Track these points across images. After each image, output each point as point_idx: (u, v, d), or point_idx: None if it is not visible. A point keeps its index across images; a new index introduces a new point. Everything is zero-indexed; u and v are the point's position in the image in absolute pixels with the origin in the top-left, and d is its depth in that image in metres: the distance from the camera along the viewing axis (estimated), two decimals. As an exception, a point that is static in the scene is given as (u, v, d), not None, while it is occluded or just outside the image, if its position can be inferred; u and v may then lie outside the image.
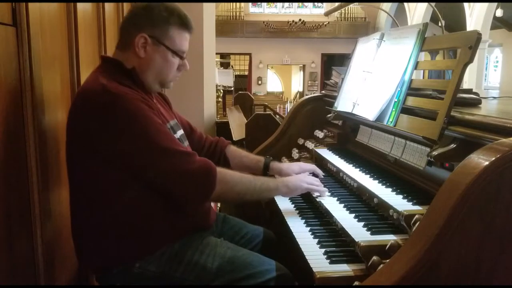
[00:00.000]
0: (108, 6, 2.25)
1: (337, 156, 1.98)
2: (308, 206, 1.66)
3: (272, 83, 23.19)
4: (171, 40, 1.42)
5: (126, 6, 2.57)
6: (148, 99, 1.38)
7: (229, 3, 18.92)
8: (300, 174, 1.70)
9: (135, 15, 1.43)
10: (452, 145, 1.30)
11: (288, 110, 3.20)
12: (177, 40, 1.43)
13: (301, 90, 21.30)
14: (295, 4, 20.04)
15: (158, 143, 1.30)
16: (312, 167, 1.80)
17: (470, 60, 1.29)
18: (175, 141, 1.38)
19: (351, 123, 2.08)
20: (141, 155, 1.29)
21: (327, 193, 1.62)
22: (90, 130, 1.29)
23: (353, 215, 1.40)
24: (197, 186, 1.35)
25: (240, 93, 5.61)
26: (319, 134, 2.28)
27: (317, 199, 1.60)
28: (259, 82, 20.67)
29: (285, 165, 1.79)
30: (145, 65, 1.42)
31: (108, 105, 1.27)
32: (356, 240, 1.19)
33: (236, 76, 9.61)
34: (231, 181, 1.41)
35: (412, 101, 1.50)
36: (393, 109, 1.56)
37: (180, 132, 1.58)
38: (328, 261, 1.20)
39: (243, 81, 18.71)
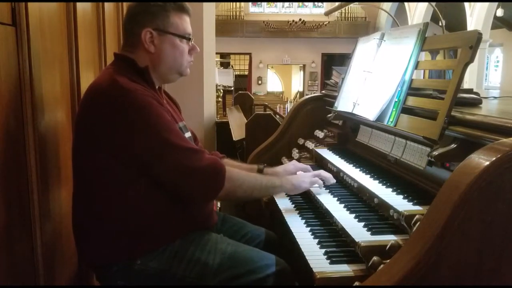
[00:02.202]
0: (108, 5, 2.25)
1: (337, 156, 1.98)
2: (308, 206, 1.66)
3: (272, 83, 23.18)
4: (174, 26, 1.44)
5: (126, 6, 2.57)
6: (158, 98, 1.40)
7: (229, 3, 18.91)
8: (302, 173, 1.71)
9: (133, 14, 1.45)
10: (453, 145, 1.30)
11: (288, 110, 3.19)
12: (179, 24, 1.45)
13: (301, 90, 21.29)
14: (295, 4, 20.02)
15: (168, 139, 1.30)
16: (306, 166, 1.81)
17: (471, 60, 1.29)
18: (185, 138, 1.39)
19: (352, 123, 2.07)
20: (151, 150, 1.29)
21: (327, 191, 1.63)
22: (101, 124, 1.30)
23: (354, 215, 1.40)
24: (206, 183, 1.35)
25: (240, 93, 5.60)
26: (319, 134, 2.27)
27: (316, 196, 1.60)
28: (259, 82, 20.66)
29: (280, 167, 1.79)
30: (157, 59, 1.44)
31: (119, 100, 1.28)
32: (357, 240, 1.19)
33: (236, 76, 9.61)
34: (239, 179, 1.43)
35: (412, 101, 1.50)
36: (394, 109, 1.56)
37: (188, 134, 1.58)
38: (328, 261, 1.20)
39: (243, 81, 18.70)
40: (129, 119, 1.28)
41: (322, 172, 1.68)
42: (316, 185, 1.64)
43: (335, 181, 1.69)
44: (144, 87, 1.35)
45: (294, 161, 1.89)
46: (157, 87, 1.48)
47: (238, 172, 1.47)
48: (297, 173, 1.74)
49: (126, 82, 1.30)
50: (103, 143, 1.30)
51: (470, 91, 1.61)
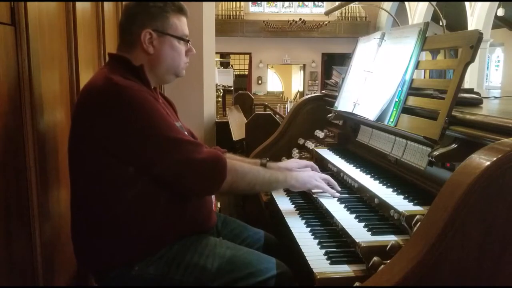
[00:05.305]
0: (107, 5, 2.25)
1: (337, 156, 1.98)
2: (308, 206, 1.66)
3: (272, 82, 23.17)
4: (174, 28, 1.44)
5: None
6: (154, 95, 1.40)
7: (229, 2, 18.90)
8: (312, 171, 1.69)
9: (132, 14, 1.44)
10: (453, 145, 1.29)
11: (288, 110, 3.19)
12: (178, 26, 1.45)
13: (301, 89, 21.29)
14: (295, 4, 20.01)
15: (166, 133, 1.30)
16: (309, 162, 1.81)
17: (472, 59, 1.29)
18: (182, 132, 1.38)
19: (352, 123, 2.07)
20: (150, 145, 1.28)
21: (336, 196, 1.59)
22: (98, 123, 1.29)
23: (354, 215, 1.40)
24: (209, 175, 1.35)
25: (240, 92, 5.62)
26: (320, 134, 2.27)
27: (314, 195, 1.60)
28: (259, 81, 20.65)
29: (282, 163, 1.79)
30: (156, 60, 1.43)
31: (114, 97, 1.28)
32: (357, 240, 1.18)
33: (236, 76, 9.63)
34: (241, 171, 1.42)
35: (413, 101, 1.50)
36: (394, 109, 1.55)
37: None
38: (329, 261, 1.19)
39: (243, 81, 18.72)
40: (125, 115, 1.27)
41: (330, 179, 1.64)
42: (319, 190, 1.60)
43: (339, 195, 1.59)
44: (139, 85, 1.34)
45: (295, 159, 1.88)
46: (152, 87, 1.47)
47: (241, 164, 1.46)
48: (305, 171, 1.71)
49: (120, 80, 1.30)
50: (101, 142, 1.28)
51: (470, 91, 1.61)
